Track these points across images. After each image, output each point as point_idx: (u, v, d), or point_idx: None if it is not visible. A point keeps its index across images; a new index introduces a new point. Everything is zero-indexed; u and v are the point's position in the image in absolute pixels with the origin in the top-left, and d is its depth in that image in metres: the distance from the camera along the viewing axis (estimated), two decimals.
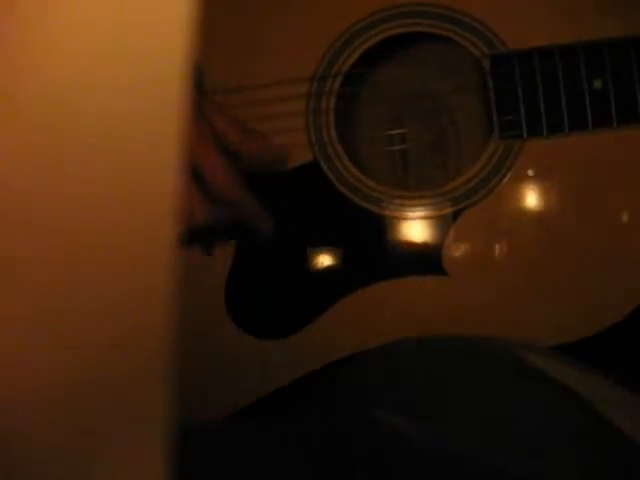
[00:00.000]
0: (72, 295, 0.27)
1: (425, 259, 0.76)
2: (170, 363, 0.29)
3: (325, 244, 0.79)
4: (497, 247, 0.75)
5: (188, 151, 0.27)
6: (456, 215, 0.76)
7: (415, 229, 0.77)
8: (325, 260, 0.79)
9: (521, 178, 0.75)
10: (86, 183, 0.26)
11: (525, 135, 0.75)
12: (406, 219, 0.77)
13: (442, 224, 0.76)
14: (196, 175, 0.73)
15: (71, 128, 0.26)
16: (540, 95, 0.75)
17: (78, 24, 0.25)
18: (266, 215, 0.78)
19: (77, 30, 0.25)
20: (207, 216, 0.74)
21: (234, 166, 0.74)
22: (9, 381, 0.27)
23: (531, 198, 0.75)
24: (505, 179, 0.75)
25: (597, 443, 0.50)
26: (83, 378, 0.28)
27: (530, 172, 0.75)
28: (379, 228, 0.78)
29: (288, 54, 0.80)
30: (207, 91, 0.78)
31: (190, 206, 0.73)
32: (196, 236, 0.77)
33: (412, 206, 0.77)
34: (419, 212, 0.77)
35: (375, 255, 0.78)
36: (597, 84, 0.74)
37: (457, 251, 0.76)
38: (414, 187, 0.82)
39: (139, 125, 0.26)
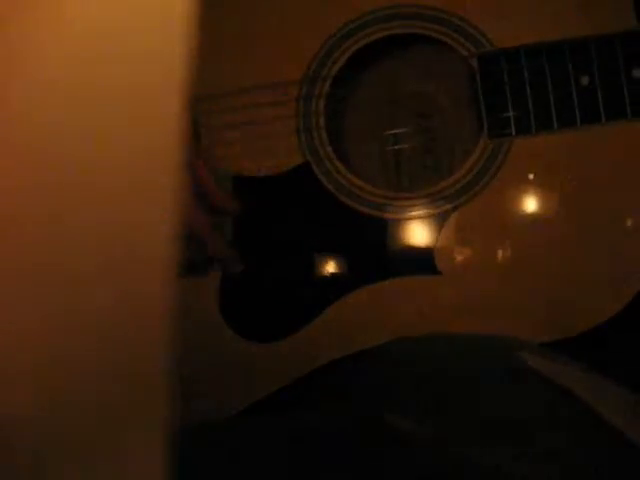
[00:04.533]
0: (73, 292, 0.28)
1: (418, 259, 0.77)
2: (169, 365, 0.29)
3: (318, 245, 0.79)
4: (489, 245, 0.76)
5: (187, 155, 0.27)
6: (448, 214, 0.76)
7: (407, 229, 0.77)
8: (319, 261, 0.79)
9: (511, 176, 0.76)
10: (83, 187, 0.27)
11: (514, 133, 0.76)
12: (398, 219, 0.78)
13: (434, 224, 0.77)
14: None
15: (67, 130, 0.26)
16: (528, 93, 0.75)
17: (75, 28, 0.26)
18: (235, 256, 0.78)
19: (74, 34, 0.26)
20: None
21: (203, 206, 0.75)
22: (10, 375, 0.27)
23: (521, 195, 0.75)
24: (495, 177, 0.76)
25: (593, 442, 0.50)
26: (83, 377, 0.28)
27: (520, 170, 0.76)
28: (371, 229, 0.78)
29: (277, 57, 0.80)
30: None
31: None
32: None
33: (404, 207, 0.78)
34: (411, 212, 0.77)
35: (368, 256, 0.78)
36: (584, 81, 0.74)
37: (450, 250, 0.76)
38: (406, 188, 0.83)
39: (136, 130, 0.26)
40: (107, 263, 0.28)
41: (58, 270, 0.27)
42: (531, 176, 0.75)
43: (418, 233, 0.77)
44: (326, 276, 0.79)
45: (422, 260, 0.76)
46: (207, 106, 0.80)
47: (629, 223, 0.73)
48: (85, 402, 0.28)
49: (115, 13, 0.26)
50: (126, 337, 0.28)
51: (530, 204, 0.75)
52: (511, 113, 0.75)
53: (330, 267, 0.79)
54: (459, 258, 0.76)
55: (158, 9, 0.27)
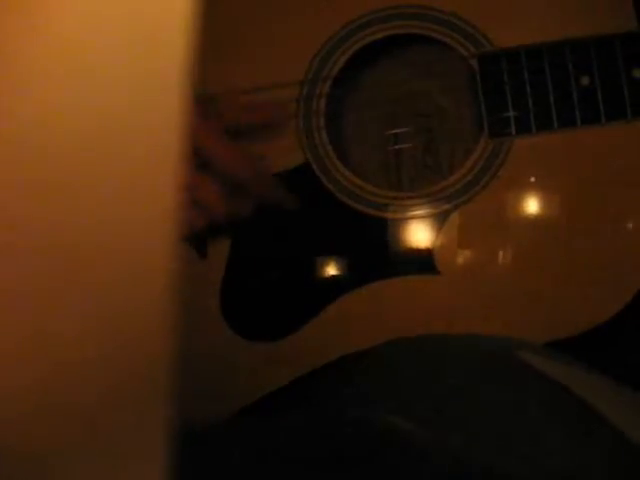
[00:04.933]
0: (69, 302, 0.28)
1: (418, 259, 0.77)
2: (170, 369, 0.29)
3: (317, 245, 0.79)
4: (489, 245, 0.76)
5: (189, 155, 0.27)
6: (448, 214, 0.77)
7: (407, 229, 0.78)
8: (319, 261, 0.79)
9: (511, 176, 0.76)
10: (81, 188, 0.27)
11: (514, 133, 0.76)
12: (398, 219, 0.78)
13: (434, 223, 0.77)
14: (207, 166, 0.72)
15: (66, 131, 0.26)
16: (528, 93, 0.75)
17: (76, 23, 0.26)
18: (287, 193, 0.78)
19: (75, 30, 0.26)
20: (228, 208, 0.73)
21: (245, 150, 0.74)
22: (9, 378, 0.27)
23: (522, 195, 0.76)
24: (496, 177, 0.76)
25: (593, 441, 0.50)
26: (83, 378, 0.28)
27: (520, 170, 0.76)
28: (371, 228, 0.78)
29: (278, 58, 0.80)
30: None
31: (208, 201, 0.72)
32: (207, 232, 0.77)
33: (404, 206, 0.78)
34: (411, 212, 0.77)
35: (368, 255, 0.78)
36: (584, 81, 0.74)
37: (449, 250, 0.76)
38: (406, 187, 0.83)
39: (138, 128, 0.26)
40: (107, 263, 0.28)
41: (56, 272, 0.27)
42: (531, 175, 0.75)
43: (418, 233, 0.77)
44: (325, 276, 0.79)
45: (422, 260, 0.76)
46: (208, 107, 0.80)
47: (629, 223, 0.73)
48: (85, 403, 0.28)
49: (115, 12, 0.26)
50: (127, 338, 0.28)
51: (530, 204, 0.75)
52: (511, 113, 0.76)
53: (329, 267, 0.79)
54: (459, 258, 0.76)
55: (158, 10, 0.27)
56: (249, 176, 0.74)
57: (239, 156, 0.73)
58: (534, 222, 0.75)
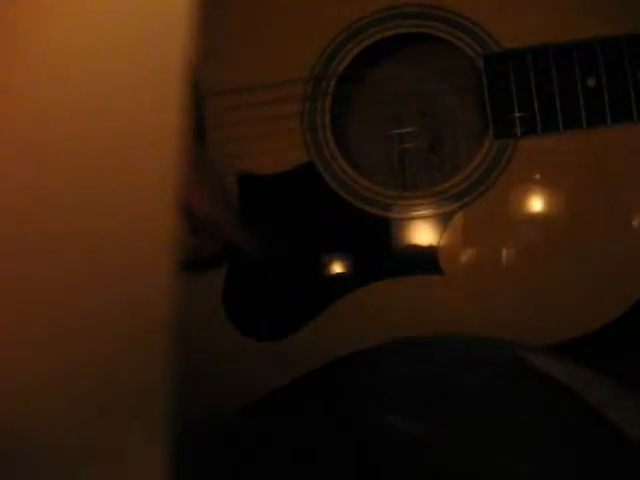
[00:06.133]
0: (74, 301, 0.28)
1: (422, 259, 0.77)
2: (171, 366, 0.29)
3: (321, 244, 0.79)
4: (493, 245, 0.75)
5: (188, 150, 0.27)
6: (452, 214, 0.76)
7: (412, 229, 0.77)
8: (322, 260, 0.79)
9: (516, 176, 0.76)
10: (83, 190, 0.27)
11: (519, 133, 0.76)
12: (403, 219, 0.78)
13: (438, 224, 0.77)
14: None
15: (68, 129, 0.26)
16: (534, 94, 0.75)
17: (77, 22, 0.26)
18: (249, 236, 0.77)
19: (77, 28, 0.26)
20: (188, 245, 0.70)
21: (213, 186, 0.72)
22: (9, 380, 0.27)
23: (526, 196, 0.75)
24: (500, 178, 0.76)
25: (596, 443, 0.50)
26: (84, 379, 0.28)
27: (525, 170, 0.76)
28: (375, 228, 0.78)
29: (284, 55, 0.80)
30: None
31: None
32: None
33: (408, 206, 0.78)
34: (416, 212, 0.77)
35: (371, 255, 0.78)
36: (591, 82, 0.74)
37: (453, 250, 0.76)
38: (411, 187, 0.83)
39: (138, 126, 0.26)
40: (108, 261, 0.28)
41: (55, 274, 0.27)
42: (536, 177, 0.75)
43: (422, 233, 0.77)
44: (328, 275, 0.79)
45: (426, 260, 0.76)
46: (213, 104, 0.80)
47: (634, 224, 0.73)
48: (86, 404, 0.28)
49: (117, 9, 0.26)
50: (127, 338, 0.28)
51: (534, 205, 0.75)
52: (517, 114, 0.75)
53: (332, 266, 0.79)
54: (463, 258, 0.76)
55: (160, 6, 0.27)
56: (218, 217, 0.71)
57: (209, 196, 0.71)
58: (538, 223, 0.75)
